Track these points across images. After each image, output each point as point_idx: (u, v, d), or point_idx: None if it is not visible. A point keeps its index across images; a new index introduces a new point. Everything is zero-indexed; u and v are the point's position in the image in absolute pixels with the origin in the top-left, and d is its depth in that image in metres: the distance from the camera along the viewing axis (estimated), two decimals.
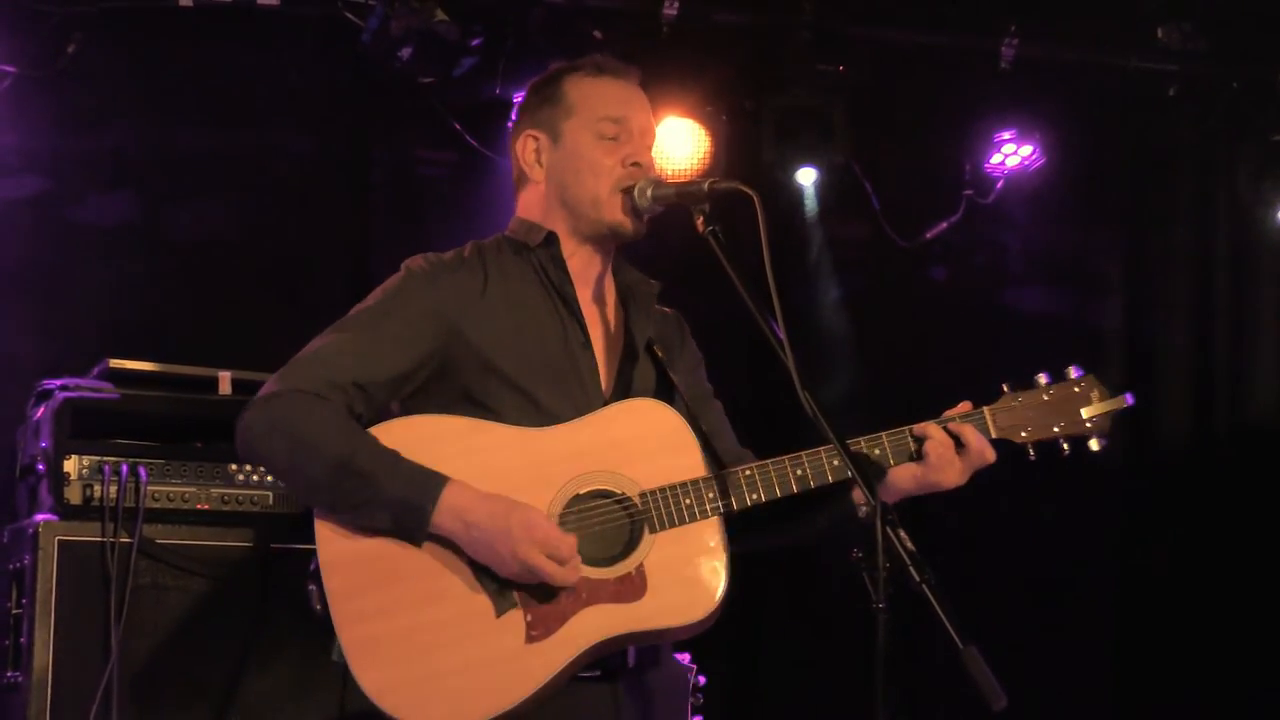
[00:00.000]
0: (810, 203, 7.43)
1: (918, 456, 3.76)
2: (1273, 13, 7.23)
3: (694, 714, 5.07)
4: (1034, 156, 7.47)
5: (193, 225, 6.58)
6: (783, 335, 3.51)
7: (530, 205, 3.99)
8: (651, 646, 3.78)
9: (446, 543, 3.61)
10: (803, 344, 3.49)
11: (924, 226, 7.71)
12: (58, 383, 5.10)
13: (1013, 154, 7.50)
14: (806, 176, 7.32)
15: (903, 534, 3.30)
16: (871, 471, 3.51)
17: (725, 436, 4.04)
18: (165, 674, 4.93)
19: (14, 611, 4.98)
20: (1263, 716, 7.52)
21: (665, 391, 3.89)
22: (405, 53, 6.46)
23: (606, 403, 3.82)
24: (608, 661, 3.70)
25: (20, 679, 4.87)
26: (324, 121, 6.81)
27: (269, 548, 5.04)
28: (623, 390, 3.87)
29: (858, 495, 3.74)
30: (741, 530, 3.78)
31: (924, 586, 3.24)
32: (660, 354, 3.93)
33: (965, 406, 3.81)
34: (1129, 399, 3.84)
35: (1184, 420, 8.00)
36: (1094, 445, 3.81)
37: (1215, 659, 7.56)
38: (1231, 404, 7.99)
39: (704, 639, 3.95)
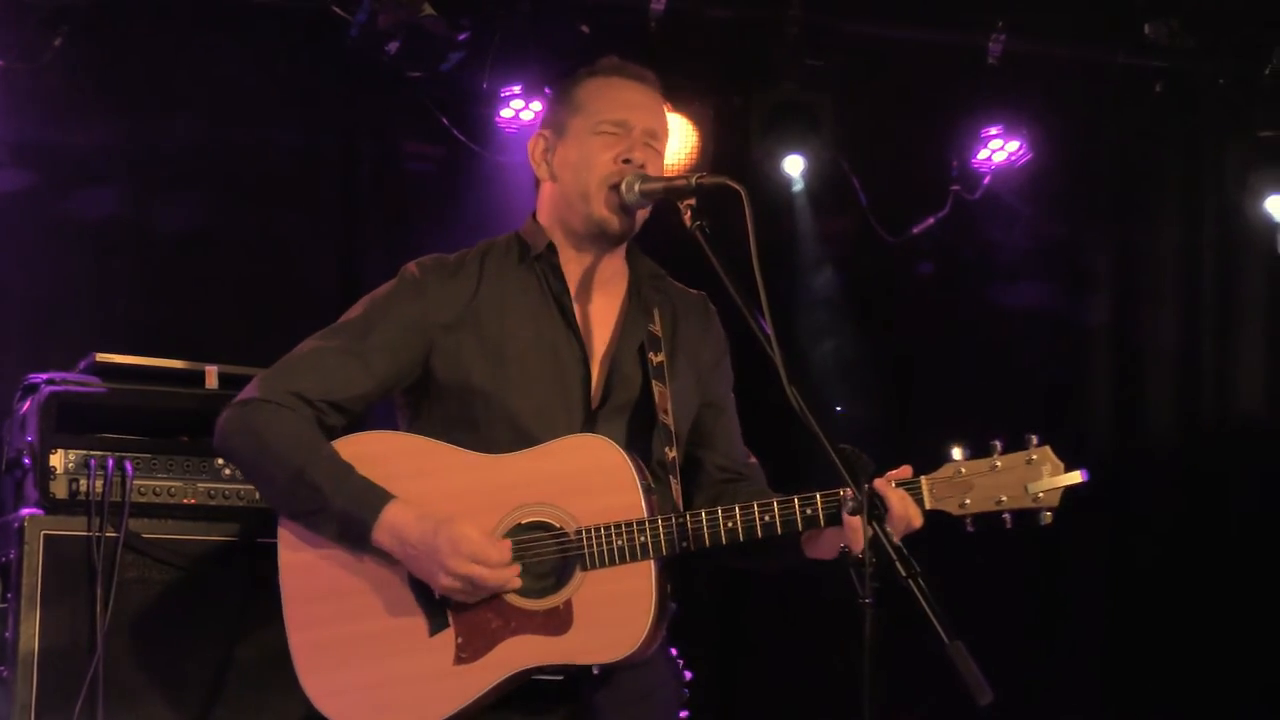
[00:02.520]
0: (799, 196, 7.42)
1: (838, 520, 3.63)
2: (1258, 9, 7.24)
3: (680, 709, 5.04)
4: (1021, 152, 7.47)
5: (180, 219, 6.57)
6: (770, 330, 3.51)
7: (542, 204, 4.04)
8: None
9: (391, 560, 3.73)
10: (789, 340, 3.49)
11: (911, 222, 7.71)
12: (44, 377, 5.10)
13: (1000, 149, 7.49)
14: (794, 166, 7.29)
15: (889, 530, 3.31)
16: (860, 467, 3.49)
17: (725, 443, 4.06)
18: (151, 667, 4.94)
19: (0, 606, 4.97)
20: (1253, 712, 7.53)
21: (647, 400, 3.89)
22: (393, 47, 6.45)
23: (593, 414, 3.87)
24: (570, 669, 3.72)
25: (6, 673, 4.86)
26: (312, 115, 6.80)
27: (254, 542, 5.03)
28: (610, 402, 3.90)
29: (810, 546, 3.76)
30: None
31: (910, 581, 3.24)
32: (653, 358, 3.92)
33: (906, 471, 3.66)
34: (1083, 475, 3.62)
35: (1171, 415, 8.00)
36: (1045, 518, 3.63)
37: (1203, 655, 7.56)
38: (1218, 399, 7.99)
39: (688, 634, 3.96)
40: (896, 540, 3.33)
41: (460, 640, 3.69)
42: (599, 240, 3.94)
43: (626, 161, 3.88)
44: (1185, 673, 7.60)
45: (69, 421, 5.02)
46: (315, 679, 3.77)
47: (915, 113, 7.45)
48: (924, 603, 3.23)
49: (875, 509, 3.34)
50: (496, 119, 6.84)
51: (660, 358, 3.93)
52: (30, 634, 4.83)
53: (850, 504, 3.44)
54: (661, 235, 3.95)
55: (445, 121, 6.85)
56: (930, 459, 3.69)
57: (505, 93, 6.78)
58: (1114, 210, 7.99)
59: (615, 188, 3.86)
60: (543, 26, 6.68)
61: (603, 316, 3.97)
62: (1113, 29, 7.31)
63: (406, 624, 3.72)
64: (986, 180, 7.57)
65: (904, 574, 3.25)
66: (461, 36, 6.57)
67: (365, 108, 6.90)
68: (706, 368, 4.05)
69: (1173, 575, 7.68)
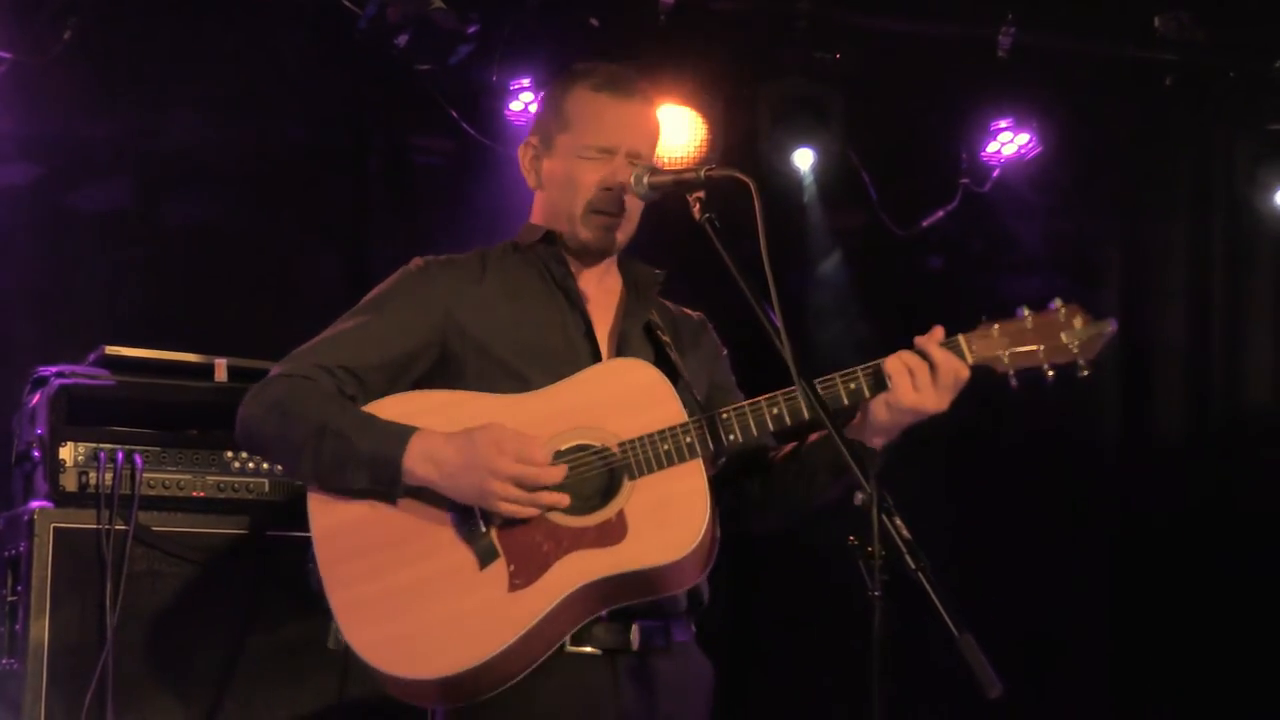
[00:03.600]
0: (809, 188, 7.41)
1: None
2: (1270, 2, 7.23)
3: None
4: (1030, 145, 7.46)
5: (189, 212, 6.57)
6: (779, 323, 3.52)
7: (536, 209, 4.07)
8: (659, 631, 3.79)
9: (429, 502, 3.70)
10: (799, 331, 3.50)
11: (920, 215, 7.70)
12: (54, 369, 5.11)
13: (1009, 143, 7.48)
14: (804, 159, 7.29)
15: (898, 521, 3.31)
16: (866, 456, 3.49)
17: None
18: (160, 661, 4.95)
19: (9, 599, 4.99)
20: (1261, 711, 7.52)
21: (667, 372, 3.89)
22: (402, 40, 6.45)
23: None
24: (608, 639, 3.73)
25: (16, 666, 4.88)
26: (321, 109, 6.80)
27: (264, 535, 5.06)
28: None
29: (866, 429, 3.76)
30: (757, 505, 3.92)
31: (919, 574, 3.25)
32: (662, 336, 3.96)
33: (939, 331, 3.73)
34: (1113, 324, 3.72)
35: (1180, 409, 8.00)
36: (1081, 370, 3.70)
37: (1211, 652, 7.56)
38: (1228, 394, 7.98)
39: (697, 624, 3.96)
40: (904, 528, 3.32)
41: (513, 568, 3.63)
42: (584, 256, 3.98)
43: (609, 190, 3.91)
44: (1192, 671, 7.59)
45: (79, 414, 5.03)
46: (365, 633, 3.67)
47: (924, 106, 7.44)
48: (933, 595, 3.22)
49: (885, 502, 3.34)
50: (506, 112, 6.83)
51: (668, 338, 3.98)
52: (40, 626, 4.84)
53: (860, 497, 3.44)
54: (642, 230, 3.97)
55: (454, 115, 6.84)
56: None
57: (514, 86, 6.77)
58: (1123, 204, 7.98)
59: (599, 213, 3.90)
60: (552, 19, 6.67)
61: (605, 300, 4.01)
62: (1123, 22, 7.30)
63: (454, 563, 3.66)
64: (996, 173, 7.57)
65: (913, 565, 3.25)
66: (471, 29, 6.56)
67: (374, 101, 6.90)
68: (705, 366, 4.08)
69: (1180, 572, 7.67)
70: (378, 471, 3.68)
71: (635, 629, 3.75)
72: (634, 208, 3.96)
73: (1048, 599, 7.65)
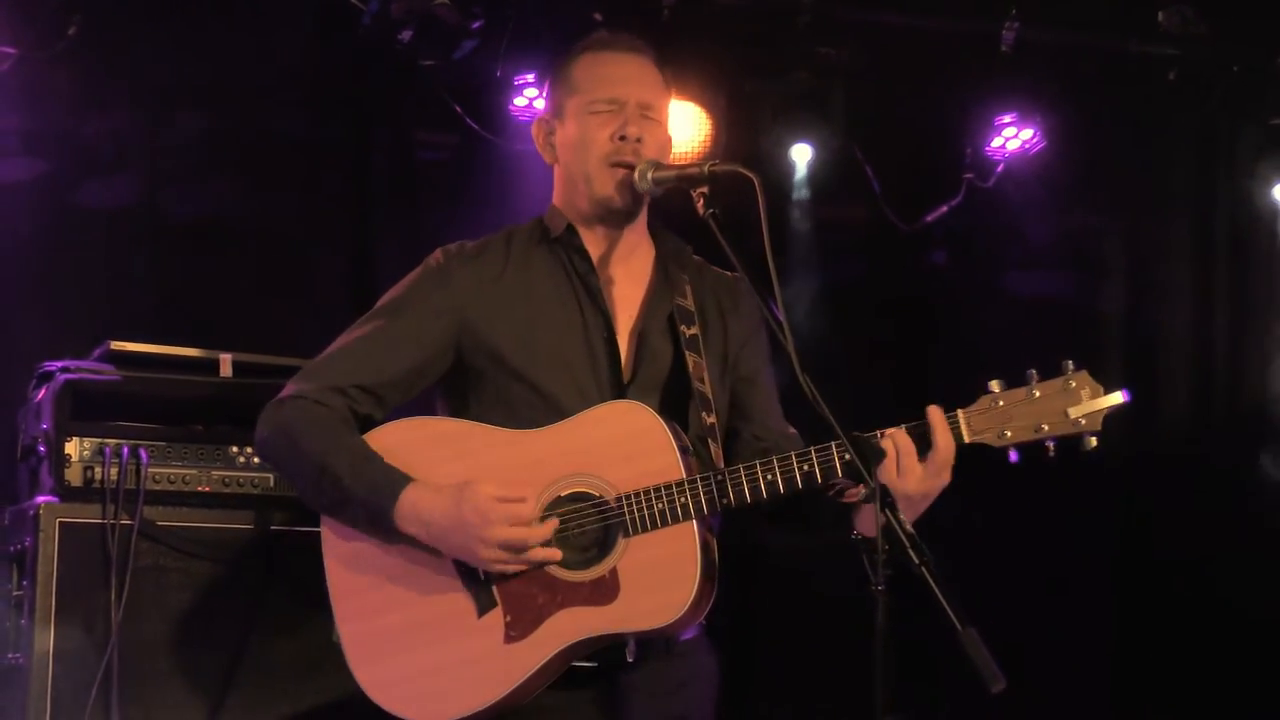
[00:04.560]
0: (800, 182, 7.40)
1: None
2: None
3: None
4: (1034, 140, 7.46)
5: (194, 207, 6.57)
6: (783, 317, 3.52)
7: (556, 188, 4.06)
8: (659, 639, 3.79)
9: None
10: (799, 327, 3.50)
11: (924, 210, 7.70)
12: (59, 364, 5.11)
13: (1013, 137, 7.48)
14: (801, 154, 7.28)
15: (902, 517, 3.31)
16: (871, 455, 3.49)
17: (762, 414, 4.05)
18: (166, 656, 4.95)
19: (15, 593, 4.98)
20: (1264, 709, 7.52)
21: (680, 370, 3.90)
22: (406, 35, 6.45)
23: (625, 388, 3.88)
24: (605, 656, 3.74)
25: (21, 660, 4.88)
26: (324, 104, 6.79)
27: (270, 530, 5.06)
28: (641, 375, 3.91)
29: (860, 520, 3.71)
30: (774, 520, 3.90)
31: (923, 568, 3.25)
32: (685, 330, 3.93)
33: (936, 414, 3.62)
34: (1124, 396, 3.61)
35: (1184, 404, 7.99)
36: (1089, 443, 3.58)
37: (1214, 648, 7.55)
38: (1231, 389, 7.97)
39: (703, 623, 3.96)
40: (908, 524, 3.32)
41: (509, 619, 3.68)
42: (608, 218, 3.96)
43: (623, 138, 3.90)
44: (1197, 668, 7.59)
45: (84, 409, 5.03)
46: (368, 670, 3.77)
47: (928, 100, 7.44)
48: (936, 589, 3.23)
49: (887, 497, 3.34)
50: (510, 107, 6.83)
51: (693, 330, 3.94)
52: (45, 622, 4.84)
53: (863, 492, 3.44)
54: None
55: (458, 110, 6.84)
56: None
57: (519, 81, 6.77)
58: (1127, 198, 7.98)
59: (616, 165, 3.89)
60: (556, 14, 6.67)
61: (629, 293, 3.98)
62: (1126, 16, 7.29)
63: (454, 607, 3.72)
64: (1000, 168, 7.57)
65: (917, 560, 3.25)
66: (475, 25, 6.56)
67: (378, 96, 6.89)
68: (739, 341, 4.05)
69: (1184, 569, 7.67)
70: (372, 520, 3.74)
71: (632, 642, 3.75)
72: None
73: (1050, 594, 7.65)
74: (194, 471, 5.09)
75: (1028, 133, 7.45)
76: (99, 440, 5.01)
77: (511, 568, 3.67)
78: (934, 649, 3.94)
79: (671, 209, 3.98)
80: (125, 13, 6.33)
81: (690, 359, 3.91)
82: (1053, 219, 7.92)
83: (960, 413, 3.63)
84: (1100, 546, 7.81)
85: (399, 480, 3.71)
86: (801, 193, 7.41)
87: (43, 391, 5.09)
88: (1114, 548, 7.84)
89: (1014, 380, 3.64)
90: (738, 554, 3.91)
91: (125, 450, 4.98)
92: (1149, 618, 7.69)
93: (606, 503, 3.69)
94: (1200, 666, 7.58)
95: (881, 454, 3.61)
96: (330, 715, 4.94)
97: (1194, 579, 7.61)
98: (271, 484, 5.14)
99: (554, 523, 3.68)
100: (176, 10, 6.39)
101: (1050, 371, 3.63)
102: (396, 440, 3.79)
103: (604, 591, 3.66)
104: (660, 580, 3.65)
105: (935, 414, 3.61)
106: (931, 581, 3.23)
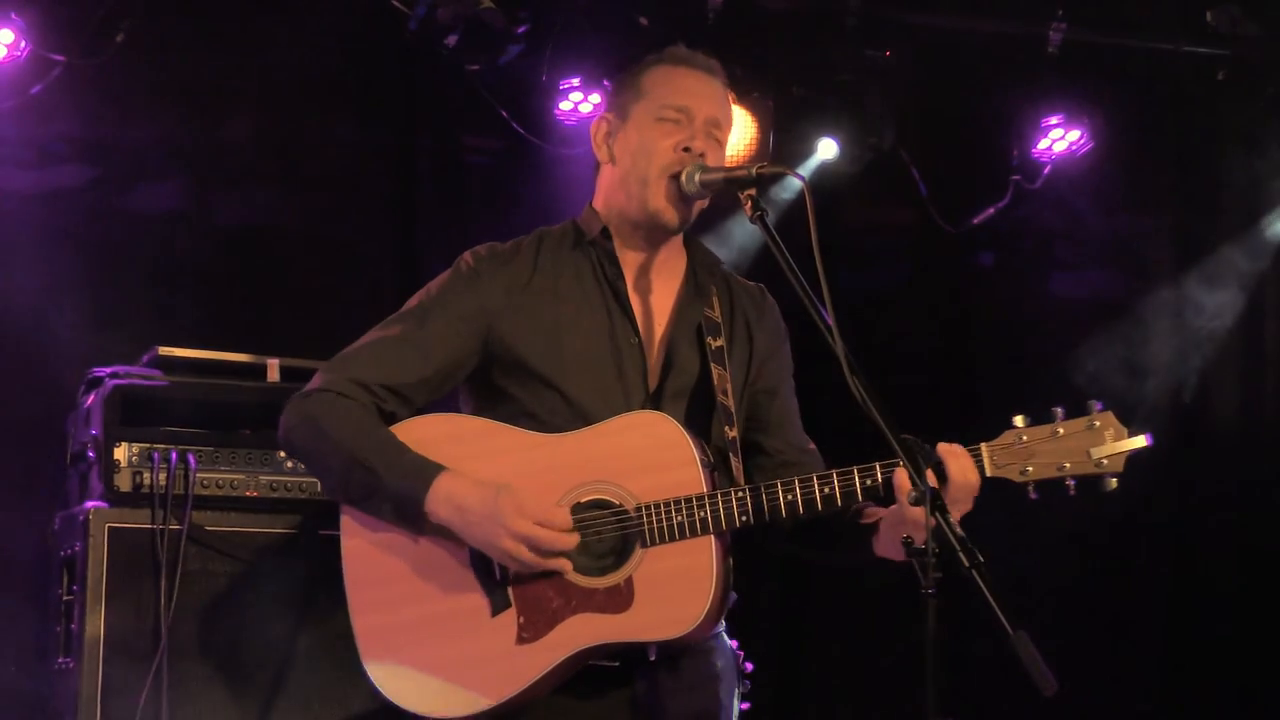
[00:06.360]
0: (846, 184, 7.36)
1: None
2: None
3: (742, 702, 5.05)
4: (1082, 141, 7.43)
5: (241, 212, 6.60)
6: (831, 320, 3.50)
7: (600, 189, 4.04)
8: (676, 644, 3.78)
9: (451, 541, 3.73)
10: (847, 330, 3.48)
11: (972, 212, 7.68)
12: (108, 370, 5.14)
13: (1060, 139, 7.45)
14: (828, 149, 7.25)
15: (952, 519, 3.29)
16: (922, 456, 3.46)
17: (782, 428, 4.05)
18: (214, 659, 4.97)
19: (65, 598, 5.02)
20: None
21: (705, 382, 3.89)
22: (452, 40, 6.47)
23: (650, 397, 3.87)
24: (626, 655, 3.73)
25: (71, 665, 4.90)
26: (371, 109, 6.82)
27: (316, 534, 5.07)
28: (667, 385, 3.90)
29: (879, 543, 3.75)
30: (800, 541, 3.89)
31: (973, 571, 3.22)
32: (712, 342, 3.92)
33: (959, 451, 3.61)
34: (1148, 439, 3.58)
35: (1234, 405, 7.95)
36: (1110, 484, 3.58)
37: (1267, 645, 7.51)
38: None
39: (750, 627, 3.95)
40: (957, 525, 3.30)
41: (522, 620, 3.69)
42: (654, 230, 3.94)
43: (686, 150, 3.87)
44: (1250, 671, 7.55)
45: (132, 415, 5.06)
46: (379, 663, 3.78)
47: (975, 102, 7.42)
48: (986, 593, 3.20)
49: (938, 500, 3.32)
50: (555, 111, 6.84)
51: (719, 342, 3.93)
52: (95, 625, 4.87)
53: (912, 495, 3.42)
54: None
55: (504, 114, 6.85)
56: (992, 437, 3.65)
57: (564, 85, 6.78)
58: (1175, 199, 7.94)
59: (674, 178, 3.86)
60: (601, 19, 6.68)
61: (658, 301, 3.97)
62: (1175, 17, 7.26)
63: (468, 605, 3.73)
64: (1047, 170, 7.54)
65: (966, 564, 3.23)
66: (520, 29, 6.57)
67: (424, 101, 6.91)
68: (762, 355, 4.04)
69: (1237, 565, 7.64)
70: (401, 508, 3.74)
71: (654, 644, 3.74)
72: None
73: (1103, 593, 7.62)
74: (242, 476, 5.11)
75: (1075, 134, 7.42)
76: (148, 445, 5.03)
77: (526, 559, 3.64)
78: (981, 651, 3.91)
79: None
80: (172, 19, 6.36)
81: (715, 371, 3.90)
82: (1100, 220, 7.89)
83: (984, 446, 3.63)
84: (1154, 543, 7.76)
85: (433, 468, 3.71)
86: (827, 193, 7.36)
87: (92, 397, 5.11)
88: (1167, 550, 7.80)
89: (1032, 417, 3.63)
90: (789, 561, 3.89)
91: (174, 455, 5.01)
92: (1204, 617, 7.65)
93: (626, 512, 3.69)
94: (1256, 672, 7.54)
95: (933, 457, 3.59)
96: None
97: (1248, 575, 7.58)
98: (318, 488, 5.14)
99: (576, 536, 3.68)
100: (223, 16, 6.42)
101: (1071, 410, 3.62)
102: (421, 434, 3.79)
103: (618, 599, 3.66)
104: (675, 592, 3.65)
105: (958, 450, 3.61)
106: (982, 584, 3.21)
